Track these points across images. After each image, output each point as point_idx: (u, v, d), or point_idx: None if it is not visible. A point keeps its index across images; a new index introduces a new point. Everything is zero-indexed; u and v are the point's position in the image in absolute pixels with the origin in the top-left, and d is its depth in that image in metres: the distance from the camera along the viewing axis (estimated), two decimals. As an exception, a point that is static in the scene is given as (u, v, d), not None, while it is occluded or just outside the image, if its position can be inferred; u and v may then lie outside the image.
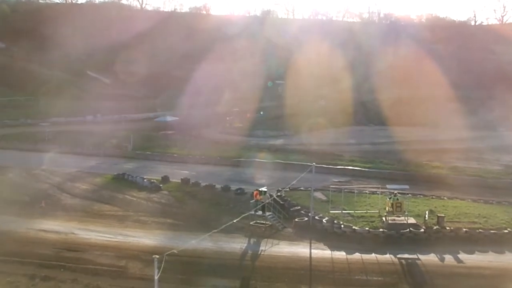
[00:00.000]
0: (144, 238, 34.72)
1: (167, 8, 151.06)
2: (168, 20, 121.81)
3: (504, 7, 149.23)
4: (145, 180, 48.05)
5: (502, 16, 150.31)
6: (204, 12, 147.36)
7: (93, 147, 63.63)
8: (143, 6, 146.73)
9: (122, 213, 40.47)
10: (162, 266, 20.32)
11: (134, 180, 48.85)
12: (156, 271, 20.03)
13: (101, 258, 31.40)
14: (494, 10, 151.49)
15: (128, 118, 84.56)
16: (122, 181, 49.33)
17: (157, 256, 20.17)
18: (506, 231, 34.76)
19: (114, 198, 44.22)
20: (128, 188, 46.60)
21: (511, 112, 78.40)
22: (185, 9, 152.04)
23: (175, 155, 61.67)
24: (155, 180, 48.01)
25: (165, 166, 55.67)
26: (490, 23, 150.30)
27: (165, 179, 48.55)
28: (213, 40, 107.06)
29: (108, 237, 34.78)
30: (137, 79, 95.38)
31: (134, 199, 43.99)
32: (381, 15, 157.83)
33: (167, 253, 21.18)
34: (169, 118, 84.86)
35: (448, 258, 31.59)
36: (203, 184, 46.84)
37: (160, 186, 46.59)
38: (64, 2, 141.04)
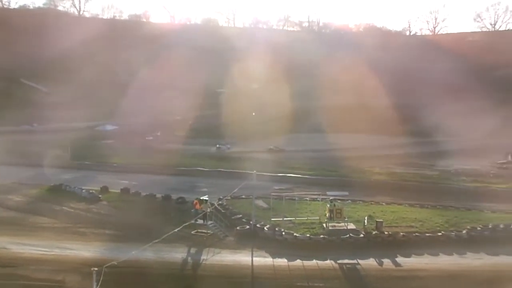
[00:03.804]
0: (83, 250, 33.70)
1: (106, 15, 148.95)
2: (107, 28, 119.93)
3: (436, 18, 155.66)
4: (83, 190, 46.86)
5: (434, 27, 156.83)
6: (144, 20, 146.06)
7: (29, 157, 61.54)
8: (81, 13, 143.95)
9: (60, 225, 39.19)
10: (101, 278, 19.92)
11: (72, 190, 47.61)
12: (94, 284, 19.64)
13: (37, 273, 30.22)
14: (427, 22, 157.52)
15: (66, 127, 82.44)
16: (60, 192, 47.90)
17: (96, 269, 19.76)
18: (440, 234, 36.15)
19: (51, 209, 42.72)
20: (66, 199, 45.21)
21: (446, 119, 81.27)
22: (125, 16, 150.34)
23: (115, 164, 60.59)
24: (94, 191, 46.90)
25: (105, 176, 54.42)
26: (423, 34, 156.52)
27: (104, 189, 47.61)
28: (153, 48, 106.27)
29: (44, 251, 33.46)
30: (76, 87, 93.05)
31: (72, 210, 42.77)
32: (321, 24, 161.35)
33: (106, 265, 20.76)
34: (109, 127, 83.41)
35: (387, 262, 32.43)
36: (143, 193, 46.24)
37: (99, 197, 45.59)
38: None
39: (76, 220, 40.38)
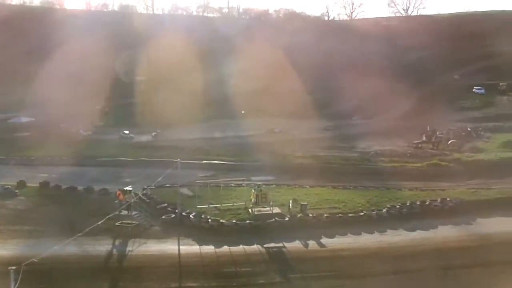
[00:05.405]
0: (-1, 249, 32.15)
1: (15, 0, 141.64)
2: (16, 14, 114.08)
3: (353, 4, 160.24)
4: (-2, 186, 44.62)
5: (351, 12, 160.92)
6: (58, 6, 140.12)
7: None
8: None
9: (-28, 224, 37.08)
10: (20, 277, 19.07)
11: (-16, 186, 45.13)
12: (12, 283, 18.79)
13: None
14: (344, 7, 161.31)
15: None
16: (-30, 188, 45.13)
17: (14, 267, 18.91)
18: (362, 213, 37.58)
19: (-39, 207, 40.32)
20: (-22, 196, 42.77)
21: (364, 101, 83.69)
22: (36, 2, 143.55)
23: (32, 157, 57.95)
24: (9, 186, 44.66)
25: (21, 170, 51.59)
26: (341, 19, 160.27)
27: (21, 184, 45.43)
28: (68, 35, 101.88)
29: (-45, 252, 31.50)
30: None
31: (-14, 207, 40.59)
32: (240, 10, 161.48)
33: (25, 262, 19.90)
34: (24, 119, 79.57)
35: (312, 244, 33.38)
36: (64, 186, 44.67)
37: (16, 192, 43.53)
38: None
39: (-9, 217, 38.38)
